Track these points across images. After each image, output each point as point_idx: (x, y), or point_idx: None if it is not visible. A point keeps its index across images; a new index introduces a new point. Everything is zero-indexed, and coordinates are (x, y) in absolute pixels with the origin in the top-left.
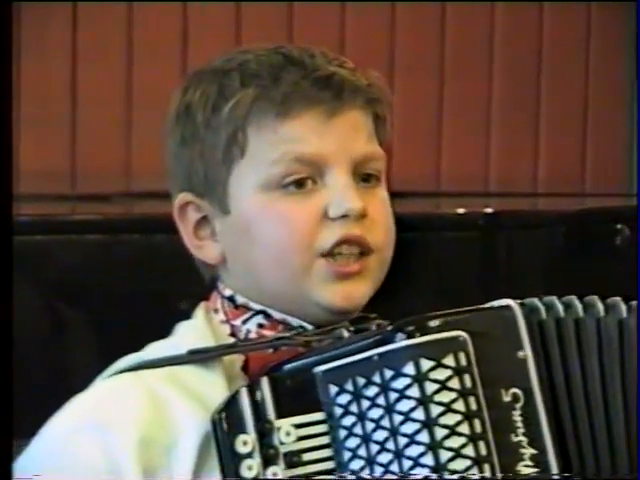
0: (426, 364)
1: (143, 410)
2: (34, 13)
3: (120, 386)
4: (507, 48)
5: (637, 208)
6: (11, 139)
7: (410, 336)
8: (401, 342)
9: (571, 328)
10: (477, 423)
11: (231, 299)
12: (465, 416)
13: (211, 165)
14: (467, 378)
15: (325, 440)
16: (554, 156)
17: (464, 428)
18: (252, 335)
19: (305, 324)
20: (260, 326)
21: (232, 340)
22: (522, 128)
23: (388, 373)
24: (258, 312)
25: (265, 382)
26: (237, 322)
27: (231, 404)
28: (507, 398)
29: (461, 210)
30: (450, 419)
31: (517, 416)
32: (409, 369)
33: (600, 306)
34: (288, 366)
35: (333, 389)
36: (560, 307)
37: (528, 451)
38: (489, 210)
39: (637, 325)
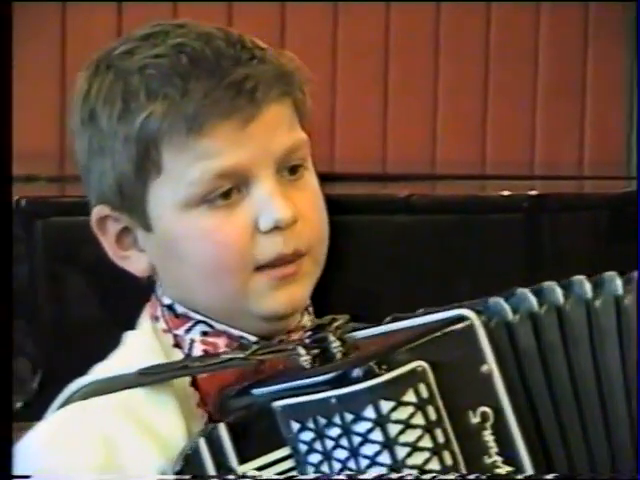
0: (386, 406)
1: (94, 455)
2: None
3: (69, 427)
4: (552, 31)
5: None
6: (10, 127)
7: (367, 375)
8: (358, 384)
9: (548, 321)
10: (447, 455)
11: (170, 308)
12: (433, 452)
13: (125, 180)
14: (431, 410)
15: (293, 474)
16: (599, 139)
17: (434, 464)
18: (197, 345)
19: (246, 335)
20: (204, 334)
21: (177, 351)
22: (567, 111)
23: (348, 416)
24: (199, 321)
25: (223, 429)
26: (180, 332)
27: (191, 456)
28: (476, 419)
29: (506, 193)
30: (418, 458)
31: (488, 436)
32: (369, 413)
33: (587, 286)
34: (246, 398)
35: (295, 425)
36: (533, 300)
37: (504, 470)
38: (534, 192)
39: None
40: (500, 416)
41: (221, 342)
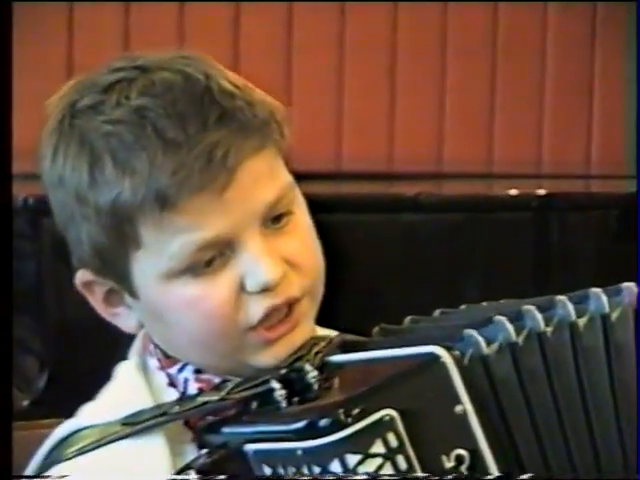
0: (352, 459)
1: None
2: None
3: None
4: (560, 29)
5: None
6: (10, 123)
7: (334, 426)
8: (324, 438)
9: (529, 349)
10: None
11: (161, 348)
12: None
13: (103, 249)
14: (401, 460)
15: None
16: (607, 138)
17: None
18: (191, 383)
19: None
20: (197, 372)
21: (171, 390)
22: (575, 109)
23: (316, 469)
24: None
25: (193, 475)
26: (172, 370)
27: None
28: (450, 463)
29: (514, 192)
30: None
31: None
32: (335, 467)
33: (569, 307)
34: (221, 434)
35: (267, 470)
36: (510, 328)
37: None
38: (542, 192)
39: (636, 315)
40: (477, 457)
41: (216, 378)
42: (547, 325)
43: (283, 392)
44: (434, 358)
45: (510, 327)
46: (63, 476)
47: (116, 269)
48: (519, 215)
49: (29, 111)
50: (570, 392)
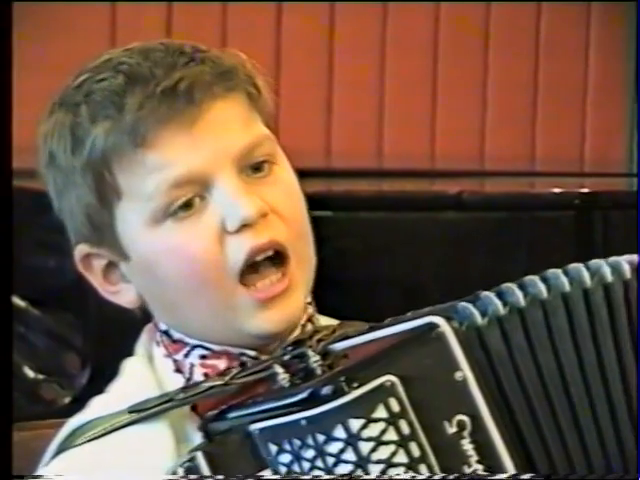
0: (355, 424)
1: None
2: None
3: (67, 476)
4: (603, 30)
5: None
6: (10, 121)
7: (336, 393)
8: (326, 405)
9: (513, 324)
10: (423, 469)
11: (167, 333)
12: (408, 467)
13: (91, 212)
14: (403, 424)
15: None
16: None
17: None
18: (197, 369)
19: (246, 351)
20: (203, 357)
21: (178, 376)
22: (616, 109)
23: (320, 437)
24: (196, 345)
25: (200, 458)
26: (179, 356)
27: None
28: (452, 429)
29: (557, 190)
30: (394, 474)
31: (467, 444)
32: (339, 432)
33: (540, 285)
34: (225, 421)
35: (273, 448)
36: (498, 303)
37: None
38: (585, 190)
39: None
40: (478, 423)
41: (221, 363)
42: (525, 301)
43: (286, 376)
44: (433, 327)
45: (497, 301)
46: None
47: (105, 231)
48: (562, 213)
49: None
50: (550, 367)
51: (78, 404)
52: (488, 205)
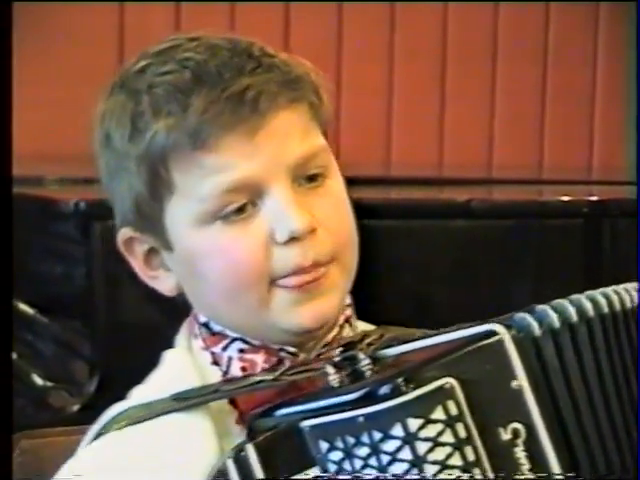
0: (414, 423)
1: None
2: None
3: (107, 457)
4: (610, 37)
5: None
6: (10, 123)
7: (395, 392)
8: (386, 402)
9: (564, 338)
10: (477, 473)
11: (206, 326)
12: (463, 470)
13: (142, 202)
14: (460, 428)
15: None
16: None
17: None
18: (235, 362)
19: (285, 347)
20: (241, 351)
21: (215, 369)
22: (624, 116)
23: (376, 435)
24: (236, 338)
25: (251, 450)
26: (217, 349)
27: (219, 478)
28: (506, 436)
29: (565, 198)
30: (447, 476)
31: (520, 452)
32: (397, 431)
33: (606, 299)
34: (274, 418)
35: (324, 445)
36: (554, 316)
37: None
38: (594, 198)
39: None
40: (532, 432)
41: (259, 358)
42: (579, 319)
43: (337, 377)
44: (493, 334)
45: (553, 314)
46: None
47: (153, 221)
48: (570, 221)
49: (80, 115)
50: (595, 380)
51: (87, 412)
52: (497, 213)
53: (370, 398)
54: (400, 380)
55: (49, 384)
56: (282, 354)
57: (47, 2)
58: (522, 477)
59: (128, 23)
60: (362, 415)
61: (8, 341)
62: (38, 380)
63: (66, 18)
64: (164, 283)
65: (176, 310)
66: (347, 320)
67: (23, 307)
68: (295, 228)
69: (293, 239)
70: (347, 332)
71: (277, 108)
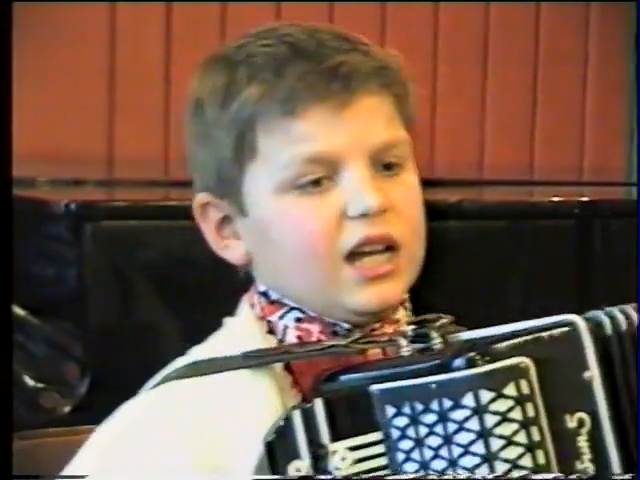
0: (486, 395)
1: (194, 433)
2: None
3: (171, 403)
4: (602, 37)
5: None
6: (10, 125)
7: (469, 364)
8: (460, 372)
9: (629, 340)
10: (540, 455)
11: (265, 295)
12: (527, 448)
13: (223, 166)
14: (529, 407)
15: (381, 462)
16: None
17: (526, 461)
18: (290, 331)
19: (340, 322)
20: (298, 320)
21: (270, 337)
22: (617, 116)
23: (447, 403)
24: (293, 308)
25: (319, 404)
26: (273, 318)
27: (283, 427)
28: (572, 424)
29: (556, 198)
30: (512, 452)
31: (583, 442)
32: (468, 400)
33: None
34: (342, 382)
35: (390, 410)
36: (622, 318)
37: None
38: (585, 198)
39: None
40: (597, 424)
41: (314, 328)
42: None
43: (409, 349)
44: (572, 325)
45: (621, 316)
46: (73, 477)
47: (232, 186)
48: (561, 222)
49: (69, 118)
50: None
51: (78, 413)
52: (488, 214)
53: (444, 368)
54: (474, 354)
55: (40, 385)
56: (337, 328)
57: (44, 1)
58: (582, 467)
59: (120, 24)
60: (435, 382)
61: (8, 341)
62: (29, 381)
63: (56, 19)
64: (233, 251)
65: (166, 312)
66: (402, 303)
67: (14, 308)
68: (369, 205)
69: (364, 215)
70: (401, 315)
71: (366, 91)
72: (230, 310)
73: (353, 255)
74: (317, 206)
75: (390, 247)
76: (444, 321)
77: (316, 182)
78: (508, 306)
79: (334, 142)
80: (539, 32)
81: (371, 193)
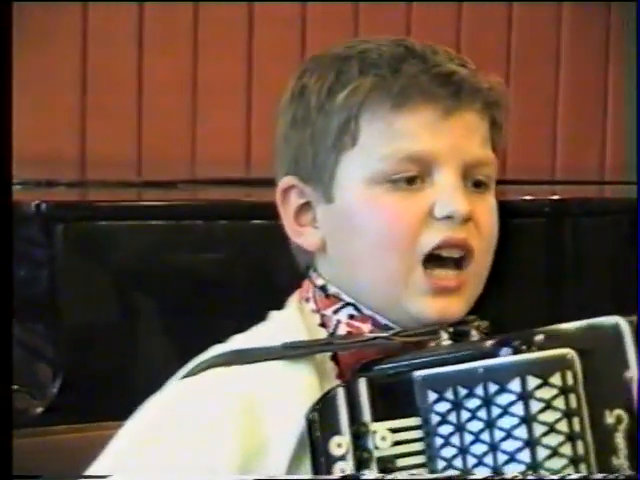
0: (533, 382)
1: (236, 415)
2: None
3: (212, 387)
4: (574, 35)
5: None
6: (10, 128)
7: (517, 351)
8: (508, 357)
9: None
10: (580, 445)
11: (323, 288)
12: (568, 437)
13: (320, 150)
14: (572, 398)
15: (420, 447)
16: (620, 145)
17: (566, 449)
18: (342, 326)
19: (392, 325)
20: (351, 317)
21: (322, 330)
22: (588, 116)
23: (492, 387)
24: (349, 303)
25: (363, 383)
26: (328, 312)
27: (326, 404)
28: (610, 420)
29: (527, 197)
30: (553, 439)
31: (619, 438)
32: (515, 386)
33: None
34: (386, 367)
35: (432, 396)
36: None
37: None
38: (555, 197)
39: None
40: (634, 423)
41: (366, 328)
42: None
43: (449, 343)
44: (616, 325)
45: None
46: (84, 476)
47: (324, 171)
48: (532, 220)
49: (42, 119)
50: None
51: (50, 414)
52: None
53: (490, 355)
54: (520, 341)
55: (12, 387)
56: (388, 331)
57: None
58: (618, 463)
59: (92, 26)
60: (482, 367)
61: (8, 340)
62: None
63: (28, 20)
64: (309, 239)
65: (138, 312)
66: (473, 323)
67: None
68: (456, 209)
69: (449, 218)
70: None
71: (472, 106)
72: (202, 308)
73: (430, 258)
74: (407, 202)
75: (464, 258)
76: (482, 323)
77: (410, 180)
78: (482, 305)
79: (435, 144)
80: (511, 34)
81: (460, 199)
